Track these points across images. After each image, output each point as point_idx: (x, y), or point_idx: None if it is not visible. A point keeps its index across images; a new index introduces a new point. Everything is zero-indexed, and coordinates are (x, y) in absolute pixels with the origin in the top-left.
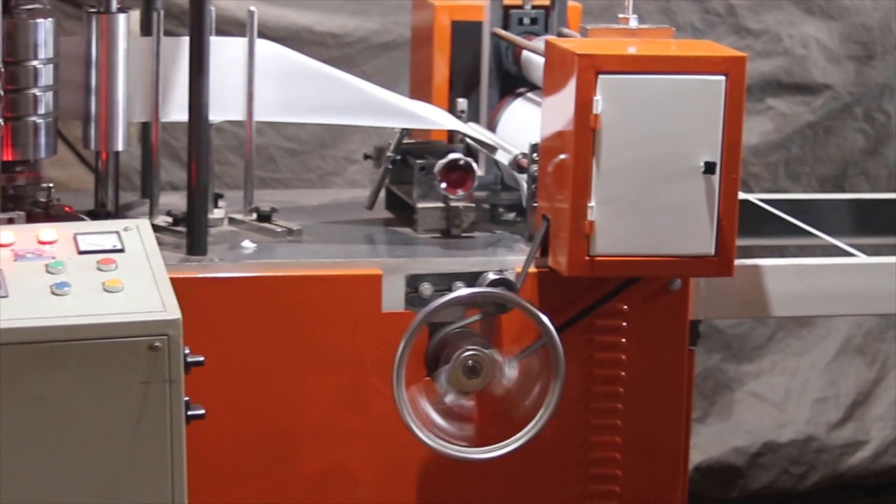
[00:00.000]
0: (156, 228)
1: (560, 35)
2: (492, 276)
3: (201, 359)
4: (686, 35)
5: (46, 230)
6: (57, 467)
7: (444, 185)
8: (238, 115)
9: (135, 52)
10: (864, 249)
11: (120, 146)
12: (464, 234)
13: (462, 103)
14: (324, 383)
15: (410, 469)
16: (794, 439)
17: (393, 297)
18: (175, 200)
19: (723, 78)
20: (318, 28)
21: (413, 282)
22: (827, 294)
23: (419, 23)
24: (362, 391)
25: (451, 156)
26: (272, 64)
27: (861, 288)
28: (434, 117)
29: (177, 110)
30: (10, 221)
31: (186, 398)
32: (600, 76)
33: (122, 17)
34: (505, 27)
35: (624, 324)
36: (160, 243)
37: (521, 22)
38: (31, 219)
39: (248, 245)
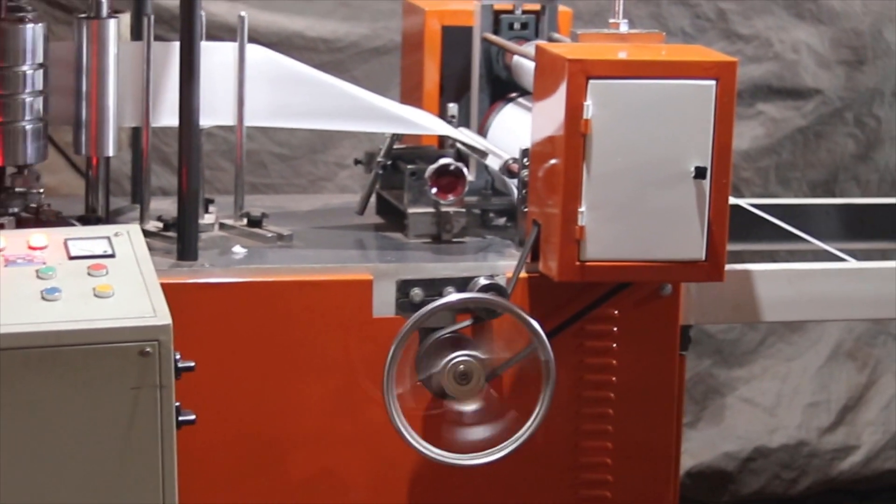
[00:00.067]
0: (146, 234)
1: (550, 40)
2: (482, 282)
3: (192, 364)
4: (677, 40)
5: (37, 235)
6: (47, 473)
7: (434, 190)
8: (228, 120)
9: (125, 57)
10: (854, 254)
11: (110, 151)
12: (454, 240)
13: (453, 108)
14: (314, 388)
15: (401, 474)
16: (785, 444)
17: (383, 303)
18: (165, 206)
19: (713, 83)
20: (309, 33)
21: (404, 287)
22: (818, 299)
23: (409, 28)
24: (353, 396)
25: (442, 161)
26: (263, 69)
27: (852, 293)
28: (425, 122)
29: (167, 115)
30: (1, 227)
31: (177, 404)
32: (591, 81)
33: (112, 22)
34: (495, 32)
35: (614, 329)
36: (151, 248)
37: (511, 27)
38: (21, 224)
39: (238, 250)
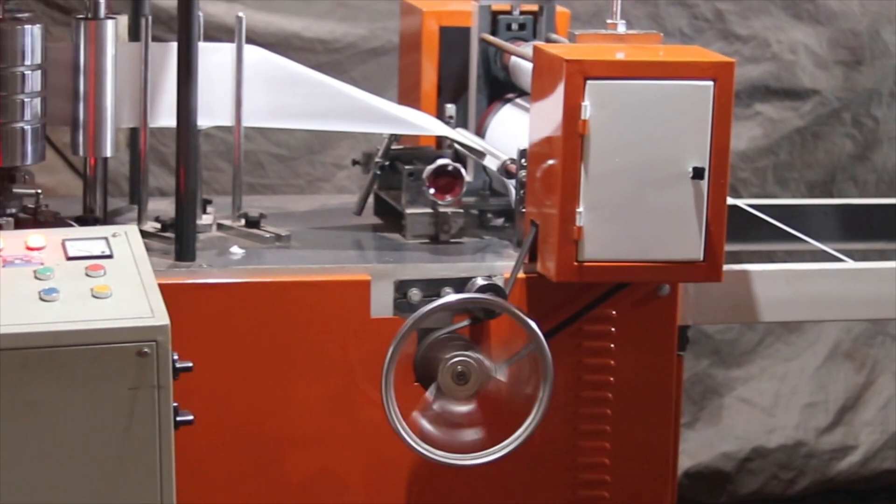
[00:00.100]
0: (144, 234)
1: (548, 41)
2: (480, 282)
3: (190, 365)
4: (674, 40)
5: (35, 236)
6: (45, 473)
7: (432, 190)
8: (226, 120)
9: (123, 57)
10: (852, 255)
11: (108, 152)
12: (452, 240)
13: (450, 109)
14: (312, 389)
15: (399, 475)
16: (783, 444)
17: (382, 303)
18: (163, 206)
19: (711, 83)
20: (307, 34)
21: (402, 287)
22: (815, 299)
23: (407, 28)
24: (351, 397)
25: (440, 161)
26: (260, 70)
27: (849, 293)
28: (422, 123)
29: (165, 116)
30: None
31: (175, 404)
32: (588, 82)
33: (110, 23)
34: (493, 33)
35: (612, 329)
36: (148, 249)
37: (509, 27)
38: (19, 225)
39: (236, 251)
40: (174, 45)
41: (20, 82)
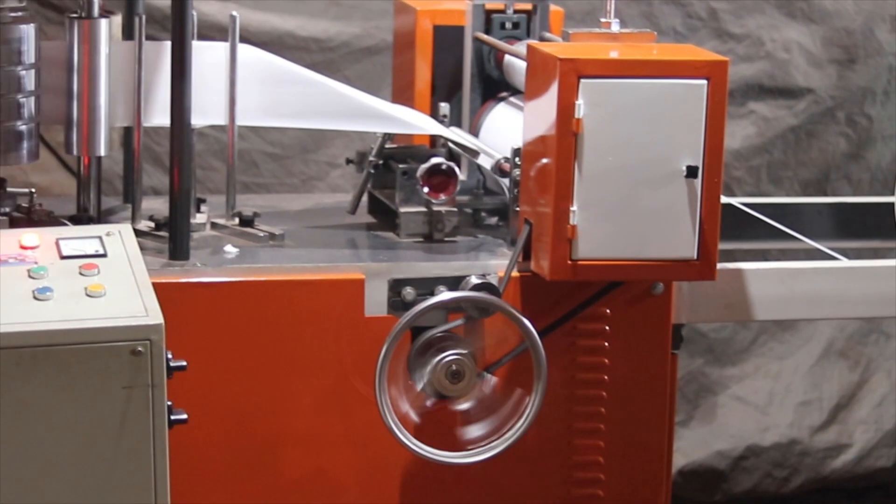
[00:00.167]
0: (138, 233)
1: (542, 39)
2: (474, 281)
3: (184, 363)
4: (668, 39)
5: (29, 235)
6: (39, 472)
7: (426, 189)
8: (220, 119)
9: (117, 56)
10: (846, 253)
11: (102, 151)
12: (446, 239)
13: (444, 108)
14: (306, 388)
15: (393, 473)
16: (778, 443)
17: (375, 302)
18: (157, 205)
19: (705, 82)
20: (301, 33)
21: (396, 286)
22: (809, 298)
23: (401, 27)
24: (345, 395)
25: (434, 160)
26: (254, 68)
27: (843, 291)
28: (416, 122)
29: (159, 115)
30: None
31: (169, 403)
32: (582, 80)
33: (104, 22)
34: (487, 31)
35: (606, 328)
36: (142, 248)
37: (503, 26)
38: (13, 224)
39: (230, 250)
40: (168, 44)
41: (14, 82)
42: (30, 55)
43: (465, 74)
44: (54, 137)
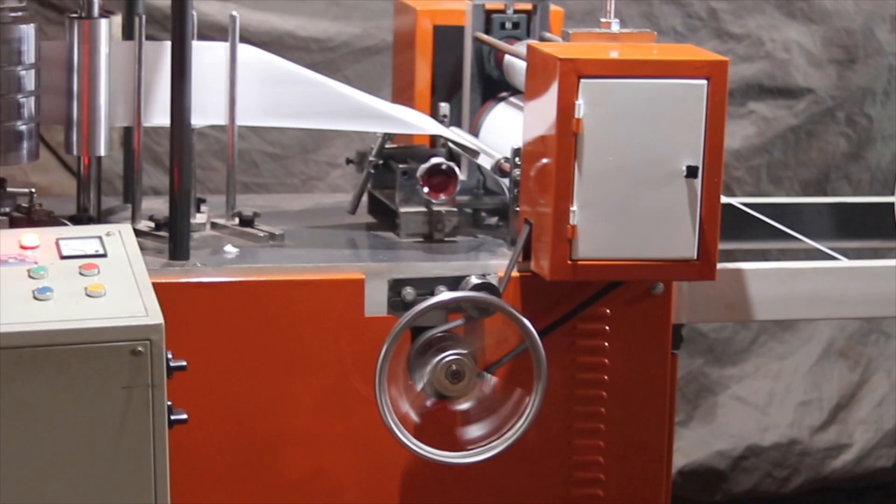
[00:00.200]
0: (138, 233)
1: (542, 39)
2: (474, 281)
3: (184, 363)
4: (668, 39)
5: (29, 235)
6: (39, 473)
7: (426, 189)
8: (220, 119)
9: (117, 56)
10: (846, 253)
11: (102, 151)
12: (446, 239)
13: (444, 108)
14: (306, 388)
15: (393, 473)
16: (778, 443)
17: (375, 302)
18: (157, 205)
19: (705, 82)
20: (301, 33)
21: (396, 286)
22: (809, 298)
23: (401, 27)
24: (345, 395)
25: (434, 160)
26: (254, 68)
27: (843, 291)
28: (416, 122)
29: (159, 115)
30: None
31: (169, 403)
32: (582, 80)
33: (104, 22)
34: (487, 31)
35: (606, 328)
36: (142, 248)
37: (503, 26)
38: (13, 224)
39: (230, 250)
40: (168, 44)
41: (14, 82)
42: (30, 55)
43: (465, 74)
44: (54, 137)
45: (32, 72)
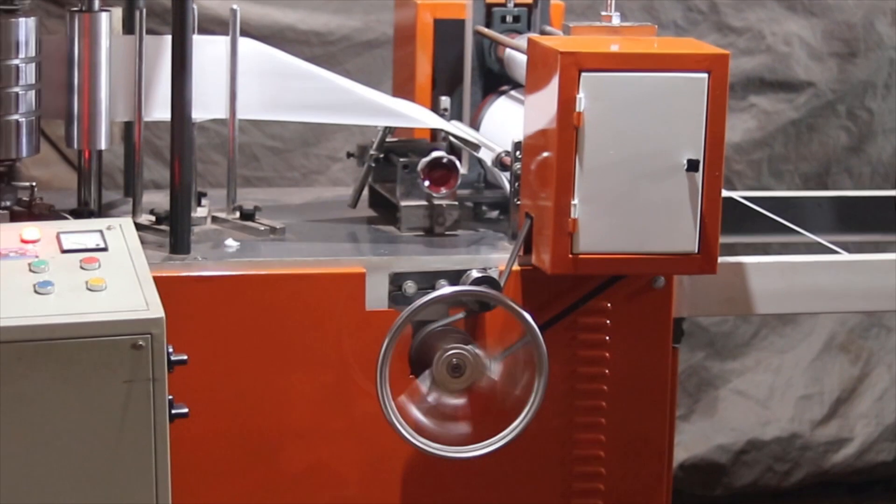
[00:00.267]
0: (139, 227)
1: (543, 33)
2: (475, 274)
3: (185, 357)
4: (669, 33)
5: (29, 229)
6: (40, 467)
7: (427, 183)
8: (221, 113)
9: (117, 50)
10: (847, 247)
11: (103, 145)
12: (447, 233)
13: (445, 101)
14: (307, 382)
15: (395, 468)
16: (779, 437)
17: (376, 296)
18: (158, 199)
19: (705, 75)
20: (301, 26)
21: (396, 280)
22: (810, 291)
23: (402, 21)
24: (346, 390)
25: (435, 154)
26: (255, 62)
27: (844, 285)
28: (417, 115)
29: (160, 109)
30: None
31: (170, 397)
32: (583, 74)
33: (104, 16)
34: (488, 25)
35: (607, 321)
36: (143, 242)
37: (503, 20)
38: (14, 217)
39: (231, 243)
40: (169, 38)
41: (15, 75)
42: (30, 49)
43: (465, 68)
44: (55, 131)
45: (33, 65)
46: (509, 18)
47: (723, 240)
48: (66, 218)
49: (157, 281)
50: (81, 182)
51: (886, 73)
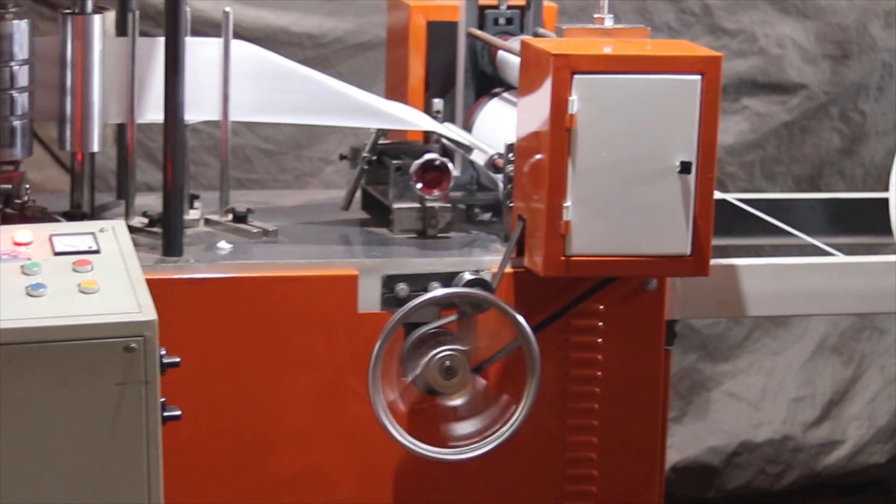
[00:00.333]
0: (131, 229)
1: (535, 35)
2: (468, 277)
3: (177, 360)
4: (662, 35)
5: (22, 231)
6: (32, 469)
7: (419, 185)
8: (213, 115)
9: (110, 52)
10: (840, 249)
11: (95, 147)
12: (440, 235)
13: (438, 103)
14: (300, 384)
15: (387, 470)
16: (771, 439)
17: (369, 298)
18: (151, 201)
19: (698, 78)
20: (294, 29)
21: (389, 282)
22: (803, 293)
23: (394, 23)
24: (338, 392)
25: (427, 156)
26: (248, 64)
27: (837, 287)
28: (410, 118)
29: (152, 111)
30: None
31: (162, 399)
32: (576, 76)
33: (97, 18)
34: (480, 27)
35: (600, 324)
36: (136, 244)
37: (496, 22)
38: (6, 220)
39: (223, 246)
40: (161, 40)
41: (7, 77)
42: (23, 51)
43: (458, 70)
44: (48, 133)
45: (26, 68)
46: (502, 21)
47: (715, 242)
48: (58, 220)
49: (150, 283)
50: (74, 184)
51: (879, 75)
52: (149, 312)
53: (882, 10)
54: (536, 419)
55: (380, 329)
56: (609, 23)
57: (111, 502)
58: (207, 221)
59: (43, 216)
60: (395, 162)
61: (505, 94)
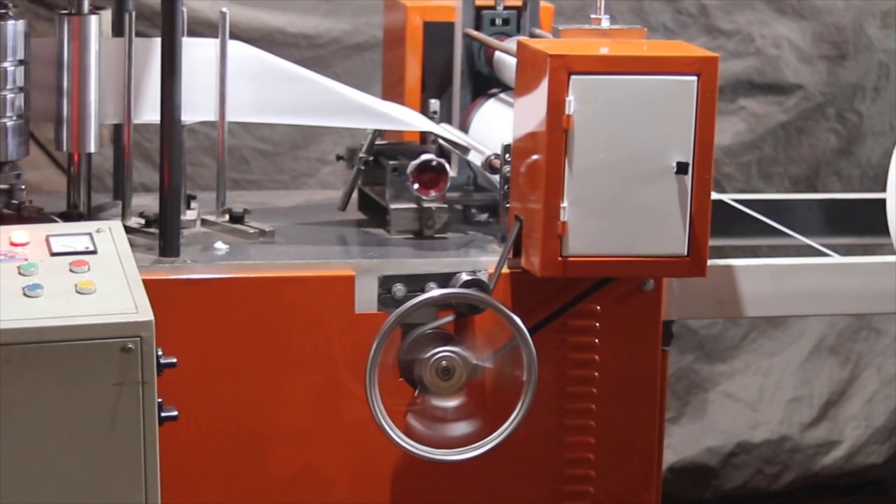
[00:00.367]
0: (128, 230)
1: (532, 36)
2: (465, 277)
3: (174, 360)
4: (658, 35)
5: (19, 232)
6: (29, 469)
7: (416, 186)
8: (210, 116)
9: (107, 53)
10: (836, 249)
11: (92, 148)
12: (436, 235)
13: (434, 104)
14: (297, 385)
15: (384, 471)
16: (768, 439)
17: (366, 299)
18: (147, 202)
19: (695, 78)
20: (291, 29)
21: (386, 283)
22: (800, 294)
23: (391, 24)
24: (335, 393)
25: (424, 157)
26: (244, 65)
27: (834, 288)
28: (406, 118)
29: (149, 111)
30: None
31: (159, 400)
32: (572, 77)
33: (93, 19)
34: (477, 28)
35: (597, 324)
36: (133, 245)
37: (493, 23)
38: (3, 220)
39: (220, 246)
40: (158, 41)
41: (4, 78)
42: (19, 52)
43: (455, 71)
44: (44, 134)
45: (22, 68)
46: (499, 21)
47: (712, 242)
48: (55, 221)
49: (147, 284)
50: (71, 185)
51: (875, 75)
52: (145, 313)
53: (878, 10)
54: (533, 420)
55: (376, 330)
56: (605, 23)
57: (108, 502)
58: (204, 222)
59: (40, 217)
60: (391, 162)
61: (501, 95)
